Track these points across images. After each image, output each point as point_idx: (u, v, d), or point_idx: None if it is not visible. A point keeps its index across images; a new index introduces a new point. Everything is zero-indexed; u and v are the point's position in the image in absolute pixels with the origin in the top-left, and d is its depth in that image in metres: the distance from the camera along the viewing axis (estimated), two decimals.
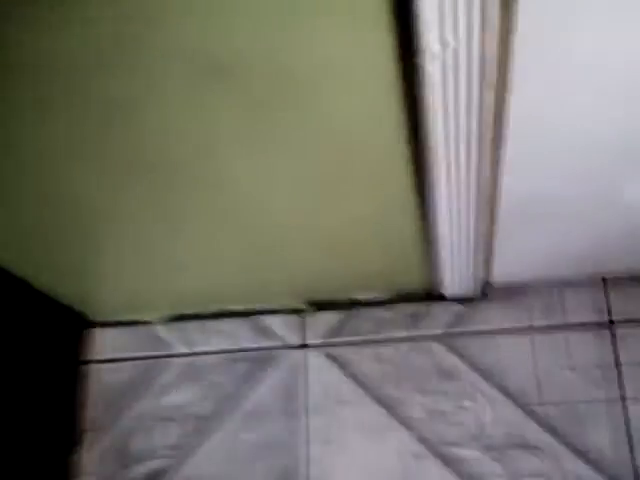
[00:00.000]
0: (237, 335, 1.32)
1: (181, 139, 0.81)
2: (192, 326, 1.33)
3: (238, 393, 1.29)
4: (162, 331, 1.34)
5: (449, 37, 0.62)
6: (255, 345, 1.31)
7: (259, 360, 1.30)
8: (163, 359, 1.32)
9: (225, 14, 0.62)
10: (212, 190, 0.92)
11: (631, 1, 0.60)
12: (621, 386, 1.19)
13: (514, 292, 1.28)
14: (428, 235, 1.07)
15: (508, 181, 0.91)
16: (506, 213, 1.01)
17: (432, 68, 0.66)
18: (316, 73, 0.70)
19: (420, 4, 0.58)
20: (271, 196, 0.95)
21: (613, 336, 1.22)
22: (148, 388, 1.31)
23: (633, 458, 1.15)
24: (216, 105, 0.74)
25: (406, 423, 1.23)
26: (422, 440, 1.22)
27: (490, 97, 0.71)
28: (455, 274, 1.17)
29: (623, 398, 1.19)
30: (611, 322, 1.23)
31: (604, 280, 1.26)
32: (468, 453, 1.20)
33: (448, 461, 1.20)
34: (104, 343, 1.33)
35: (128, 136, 0.79)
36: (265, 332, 1.32)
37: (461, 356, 1.25)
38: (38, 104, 0.72)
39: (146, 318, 1.33)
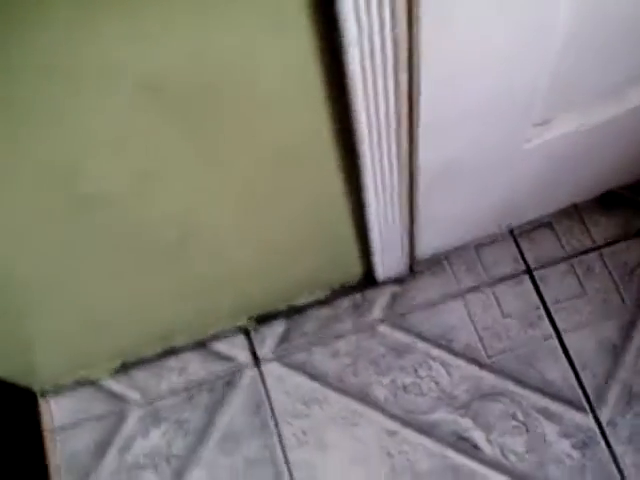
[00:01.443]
0: (188, 369, 1.31)
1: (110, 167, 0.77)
2: (142, 372, 1.30)
3: (206, 424, 1.27)
4: (113, 385, 1.30)
5: (364, 23, 0.67)
6: (209, 374, 1.31)
7: (217, 387, 1.30)
8: (121, 412, 1.28)
9: (153, 31, 0.60)
10: (142, 222, 0.89)
11: None
12: (552, 322, 1.30)
13: (438, 262, 1.36)
14: (358, 225, 1.12)
15: (423, 155, 0.97)
16: (424, 188, 1.07)
17: (352, 54, 0.70)
18: (241, 77, 0.71)
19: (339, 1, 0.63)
20: (204, 218, 0.94)
21: (533, 280, 1.33)
22: (113, 444, 1.26)
23: (579, 379, 1.25)
24: (147, 124, 0.72)
25: (374, 406, 1.26)
26: (393, 417, 1.25)
27: (404, 75, 0.77)
28: (385, 258, 1.23)
29: (557, 332, 1.29)
30: (528, 269, 1.34)
31: (512, 232, 1.37)
32: (438, 417, 1.25)
33: (423, 429, 1.24)
34: (58, 410, 1.28)
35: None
36: (215, 358, 1.32)
37: (406, 331, 1.31)
38: None
39: (93, 376, 1.29)
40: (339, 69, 0.73)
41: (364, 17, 0.66)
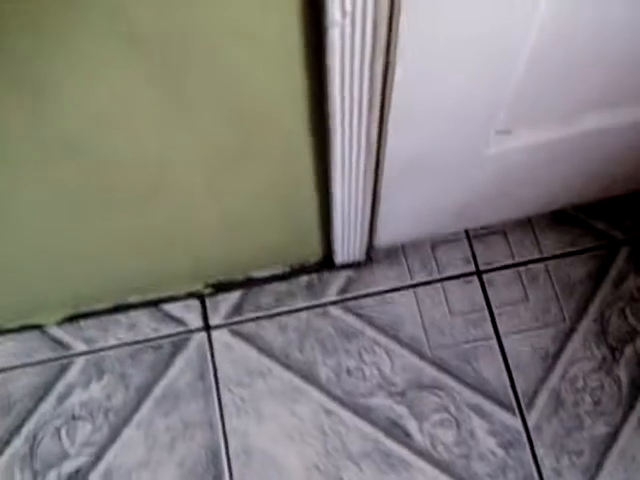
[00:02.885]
0: (138, 326, 1.31)
1: (82, 110, 0.77)
2: (90, 323, 1.30)
3: (147, 381, 1.28)
4: (59, 333, 1.30)
5: (348, 7, 0.69)
6: (158, 334, 1.31)
7: (165, 347, 1.31)
8: (64, 360, 1.28)
9: None
10: (108, 167, 0.89)
11: None
12: (494, 324, 1.35)
13: (395, 253, 1.41)
14: (321, 206, 1.14)
15: (391, 144, 0.99)
16: (388, 178, 1.10)
17: (332, 35, 0.71)
18: (221, 37, 0.71)
19: None
20: (172, 174, 0.94)
21: (481, 282, 1.39)
22: (51, 391, 1.26)
23: (512, 382, 1.31)
24: (122, 74, 0.72)
25: (317, 384, 1.29)
26: (333, 397, 1.29)
27: (380, 64, 0.79)
28: (345, 242, 1.26)
29: (497, 334, 1.35)
30: (478, 270, 1.40)
31: (467, 234, 1.43)
32: (376, 401, 1.29)
33: (359, 412, 1.28)
34: (3, 352, 1.26)
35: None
36: (167, 319, 1.33)
37: (357, 316, 1.35)
38: None
39: (41, 322, 1.28)
40: (319, 42, 0.75)
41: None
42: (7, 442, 1.22)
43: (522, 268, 1.40)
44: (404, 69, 0.82)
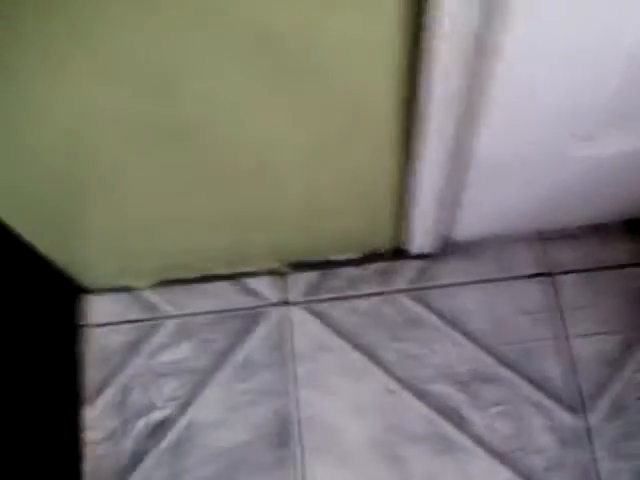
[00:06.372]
0: (223, 296, 1.43)
1: (204, 101, 0.86)
2: (180, 290, 1.43)
3: (229, 348, 1.39)
4: (152, 296, 1.42)
5: (454, 7, 0.71)
6: (241, 305, 1.42)
7: (246, 318, 1.41)
8: (155, 321, 1.41)
9: None
10: (214, 148, 0.97)
11: None
12: (564, 326, 1.38)
13: (468, 248, 1.45)
14: (403, 195, 1.20)
15: (481, 146, 1.02)
16: (475, 175, 1.14)
17: (437, 35, 0.74)
18: (332, 41, 0.78)
19: None
20: (271, 155, 1.02)
21: (552, 284, 1.42)
22: (143, 348, 1.39)
23: (577, 383, 1.34)
24: (243, 67, 0.80)
25: (382, 366, 1.37)
26: (397, 379, 1.36)
27: (482, 66, 0.82)
28: (422, 233, 1.31)
29: (564, 335, 1.38)
30: (550, 272, 1.43)
31: (542, 235, 1.46)
32: (438, 387, 1.35)
33: (421, 395, 1.34)
34: (99, 308, 1.41)
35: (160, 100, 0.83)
36: (249, 293, 1.43)
37: (427, 306, 1.41)
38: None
39: (135, 284, 1.41)
40: (420, 45, 0.79)
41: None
42: (100, 391, 1.36)
43: (593, 273, 1.42)
44: (504, 73, 0.85)
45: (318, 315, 1.40)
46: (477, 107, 0.94)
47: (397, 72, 0.87)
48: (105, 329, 1.40)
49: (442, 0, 0.71)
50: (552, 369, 1.35)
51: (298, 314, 1.41)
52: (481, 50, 0.81)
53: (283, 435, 1.33)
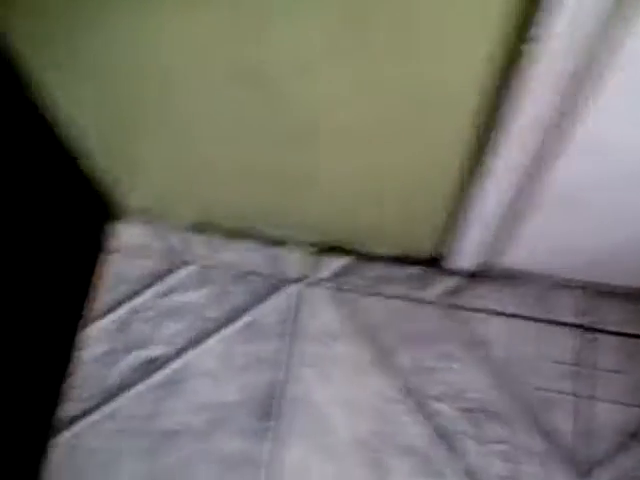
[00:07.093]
0: (252, 257, 1.40)
1: (277, 52, 0.86)
2: (210, 240, 1.40)
3: (243, 307, 1.36)
4: (181, 238, 1.40)
5: (566, 27, 0.67)
6: (267, 271, 1.39)
7: (268, 284, 1.38)
8: (178, 262, 1.39)
9: None
10: (289, 105, 0.96)
11: None
12: (592, 386, 1.30)
13: (512, 277, 1.39)
14: (459, 208, 1.15)
15: (558, 171, 0.96)
16: (538, 204, 1.08)
17: (539, 53, 0.71)
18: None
19: None
20: (335, 121, 0.99)
21: (583, 339, 1.35)
22: (159, 284, 1.37)
23: (589, 446, 1.25)
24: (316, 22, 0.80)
25: (390, 369, 1.31)
26: (404, 387, 1.30)
27: (579, 90, 0.78)
28: (467, 250, 1.26)
29: (591, 396, 1.30)
30: (584, 325, 1.36)
31: (593, 287, 1.39)
32: (443, 407, 1.28)
33: (423, 410, 1.28)
34: (127, 237, 1.39)
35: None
36: (278, 260, 1.40)
37: (455, 325, 1.35)
38: None
39: (170, 220, 1.39)
40: (514, 59, 0.76)
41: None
42: (102, 315, 1.33)
43: (630, 340, 1.35)
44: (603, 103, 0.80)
45: (339, 302, 1.36)
46: (566, 133, 0.87)
47: (489, 75, 0.83)
48: (127, 257, 1.38)
49: (551, 19, 0.67)
50: (565, 425, 1.27)
51: (319, 295, 1.36)
52: (581, 77, 0.76)
53: (268, 407, 1.28)
